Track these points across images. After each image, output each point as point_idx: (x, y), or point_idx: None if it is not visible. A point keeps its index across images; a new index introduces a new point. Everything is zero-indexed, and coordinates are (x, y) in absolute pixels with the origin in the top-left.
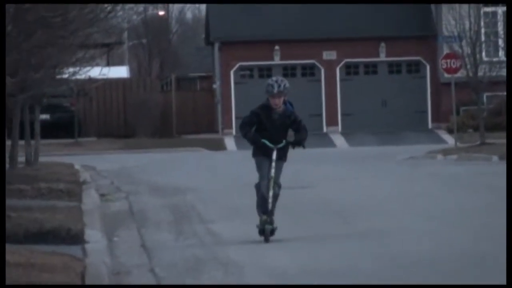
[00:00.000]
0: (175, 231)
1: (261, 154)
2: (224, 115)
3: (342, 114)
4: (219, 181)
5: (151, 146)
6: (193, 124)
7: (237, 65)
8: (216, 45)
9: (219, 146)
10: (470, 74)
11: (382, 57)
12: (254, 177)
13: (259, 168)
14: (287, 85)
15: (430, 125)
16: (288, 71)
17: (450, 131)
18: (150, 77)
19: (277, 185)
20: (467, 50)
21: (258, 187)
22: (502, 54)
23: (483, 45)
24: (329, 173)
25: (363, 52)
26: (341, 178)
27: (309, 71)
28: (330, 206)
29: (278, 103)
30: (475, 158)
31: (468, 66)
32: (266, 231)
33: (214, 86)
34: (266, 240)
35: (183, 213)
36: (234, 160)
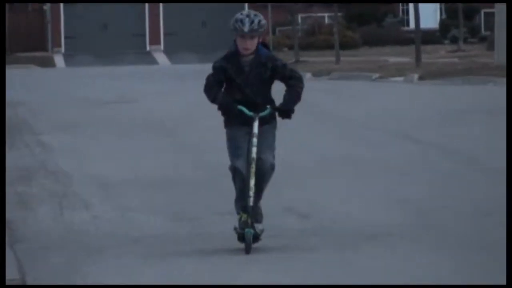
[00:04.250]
0: (7, 142)
1: (236, 122)
2: (54, 35)
3: (165, 34)
4: (49, 96)
5: None
6: (25, 43)
7: None
8: None
9: (49, 63)
10: None
11: None
12: (91, 92)
13: (232, 144)
14: (263, 21)
15: None
16: None
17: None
18: None
19: (270, 163)
20: None
21: (234, 170)
22: None
23: None
24: (152, 89)
25: None
26: (163, 94)
27: None
28: (153, 120)
29: (249, 47)
30: None
31: None
32: (247, 238)
33: (45, 7)
34: (247, 251)
35: (15, 126)
36: (63, 77)
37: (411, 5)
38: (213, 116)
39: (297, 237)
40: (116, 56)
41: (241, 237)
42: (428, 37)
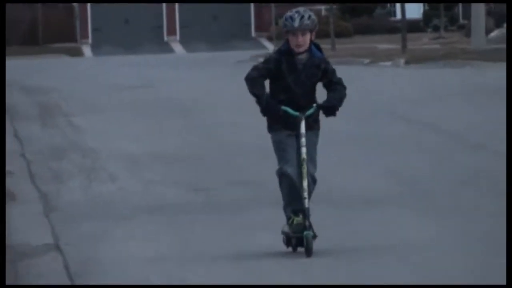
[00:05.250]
0: (42, 123)
1: (281, 127)
2: (82, 28)
3: (181, 27)
4: (78, 82)
5: (21, 54)
6: (56, 35)
7: None
8: None
9: (78, 53)
10: None
11: None
12: (115, 78)
13: (279, 148)
14: (313, 17)
15: (253, 34)
16: None
17: (270, 39)
18: None
19: (311, 175)
20: None
21: (281, 175)
22: None
23: None
24: (170, 75)
25: None
26: (180, 79)
27: None
28: (171, 103)
29: (301, 43)
30: None
31: None
32: (308, 240)
33: (74, 5)
34: (308, 254)
35: (48, 109)
36: (91, 65)
37: None
38: (225, 99)
39: None
40: (137, 47)
41: (292, 241)
42: (413, 26)
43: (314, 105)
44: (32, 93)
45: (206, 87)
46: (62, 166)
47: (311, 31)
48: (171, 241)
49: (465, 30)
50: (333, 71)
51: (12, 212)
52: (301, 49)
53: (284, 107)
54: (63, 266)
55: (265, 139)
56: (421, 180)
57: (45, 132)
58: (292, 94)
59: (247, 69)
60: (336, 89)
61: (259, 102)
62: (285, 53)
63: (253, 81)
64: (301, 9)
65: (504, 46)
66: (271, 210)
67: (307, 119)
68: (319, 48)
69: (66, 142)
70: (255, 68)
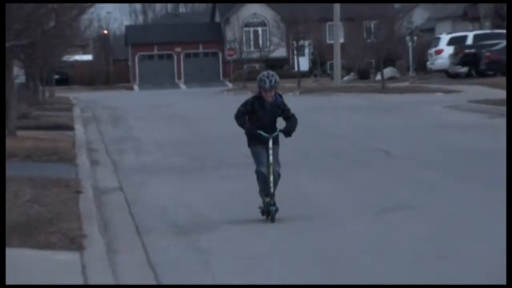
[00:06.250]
0: (113, 125)
1: (256, 143)
2: (133, 76)
3: (184, 74)
4: (132, 103)
5: (102, 89)
6: (119, 79)
7: (138, 54)
8: (129, 46)
9: (131, 88)
10: (239, 57)
11: (201, 49)
12: (150, 101)
13: (256, 156)
14: (278, 79)
15: (221, 78)
16: (160, 57)
17: (230, 81)
18: (102, 59)
19: (277, 172)
20: (238, 46)
21: (258, 173)
22: (252, 48)
23: (244, 44)
24: (178, 99)
25: (193, 47)
26: (183, 102)
27: (168, 56)
28: (178, 114)
29: (270, 96)
30: (243, 93)
31: (238, 53)
32: (272, 212)
33: (129, 63)
34: (272, 220)
35: (116, 117)
36: (139, 95)
37: (295, 59)
38: (207, 112)
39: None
40: (162, 85)
41: (265, 213)
42: (303, 74)
43: (278, 130)
44: (108, 109)
45: (197, 106)
46: (122, 147)
47: (275, 88)
48: (180, 184)
49: (331, 76)
50: (288, 110)
51: (97, 170)
52: (270, 100)
53: (259, 131)
54: (123, 198)
55: (231, 134)
56: (310, 154)
57: (115, 129)
58: (261, 122)
59: (220, 96)
60: (291, 120)
61: (243, 128)
62: (258, 98)
63: (238, 118)
64: (269, 73)
65: (352, 85)
66: (232, 169)
67: (273, 138)
68: (280, 96)
69: (126, 135)
70: (238, 111)
